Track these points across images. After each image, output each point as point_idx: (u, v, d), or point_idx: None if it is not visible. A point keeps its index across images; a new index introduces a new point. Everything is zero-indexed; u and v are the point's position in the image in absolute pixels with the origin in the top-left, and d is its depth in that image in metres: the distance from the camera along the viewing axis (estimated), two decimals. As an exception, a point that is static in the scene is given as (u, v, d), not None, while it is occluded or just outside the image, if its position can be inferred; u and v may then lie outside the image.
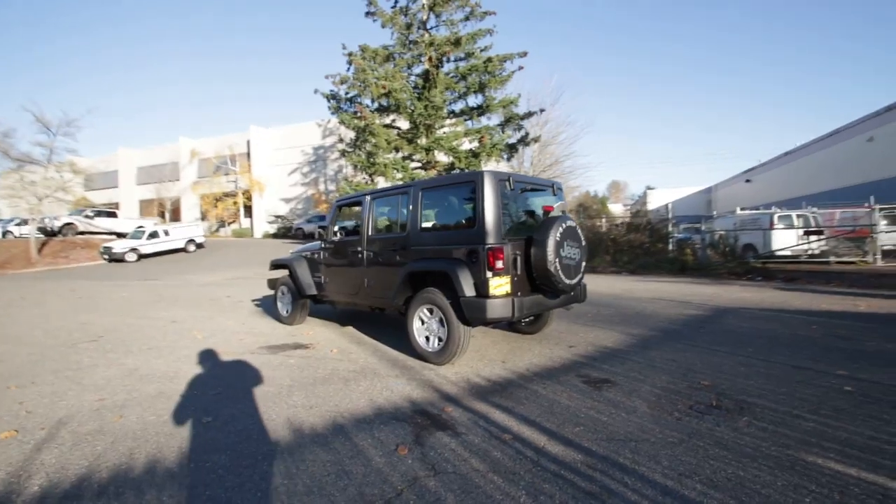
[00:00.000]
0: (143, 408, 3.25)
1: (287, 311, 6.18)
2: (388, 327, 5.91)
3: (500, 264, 3.73)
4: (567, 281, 4.02)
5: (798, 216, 15.14)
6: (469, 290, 3.77)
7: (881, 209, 13.68)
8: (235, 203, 34.22)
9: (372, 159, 17.22)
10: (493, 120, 18.72)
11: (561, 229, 3.96)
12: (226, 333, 5.79)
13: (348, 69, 17.90)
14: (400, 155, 17.85)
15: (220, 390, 3.59)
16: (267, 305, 8.04)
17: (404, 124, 18.69)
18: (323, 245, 5.61)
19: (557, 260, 3.89)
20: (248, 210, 34.67)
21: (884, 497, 1.96)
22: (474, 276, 3.79)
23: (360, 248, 5.00)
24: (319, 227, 5.95)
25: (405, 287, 4.36)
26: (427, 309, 4.16)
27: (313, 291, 5.79)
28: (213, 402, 3.32)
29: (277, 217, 33.17)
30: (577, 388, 3.44)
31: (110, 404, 3.34)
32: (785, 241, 14.34)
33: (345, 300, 5.42)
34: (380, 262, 4.78)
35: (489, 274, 3.72)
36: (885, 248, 13.39)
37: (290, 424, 2.90)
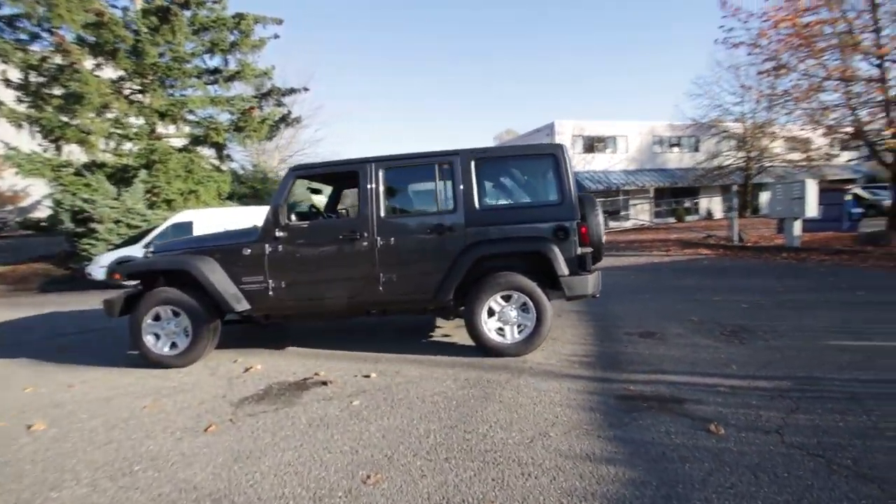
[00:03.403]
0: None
1: (179, 345, 3.84)
2: (346, 332, 4.64)
3: (585, 239, 3.77)
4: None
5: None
6: (564, 268, 3.63)
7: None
8: None
9: (69, 118, 11.57)
10: (238, 90, 15.84)
11: (600, 206, 4.31)
12: (98, 404, 3.15)
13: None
14: (113, 116, 12.66)
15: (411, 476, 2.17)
16: (58, 347, 4.63)
17: (110, 73, 13.33)
18: (276, 234, 3.79)
19: (604, 234, 4.24)
20: None
21: (874, 351, 3.46)
22: (565, 253, 3.67)
23: (364, 234, 3.75)
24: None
25: (461, 276, 3.67)
26: (502, 296, 3.68)
27: (244, 305, 3.85)
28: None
29: None
30: (645, 344, 3.97)
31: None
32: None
33: (327, 309, 3.91)
34: (407, 249, 3.76)
35: (580, 250, 3.70)
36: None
37: (564, 443, 2.19)
